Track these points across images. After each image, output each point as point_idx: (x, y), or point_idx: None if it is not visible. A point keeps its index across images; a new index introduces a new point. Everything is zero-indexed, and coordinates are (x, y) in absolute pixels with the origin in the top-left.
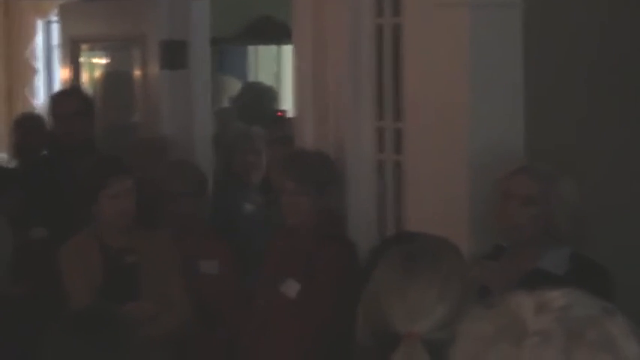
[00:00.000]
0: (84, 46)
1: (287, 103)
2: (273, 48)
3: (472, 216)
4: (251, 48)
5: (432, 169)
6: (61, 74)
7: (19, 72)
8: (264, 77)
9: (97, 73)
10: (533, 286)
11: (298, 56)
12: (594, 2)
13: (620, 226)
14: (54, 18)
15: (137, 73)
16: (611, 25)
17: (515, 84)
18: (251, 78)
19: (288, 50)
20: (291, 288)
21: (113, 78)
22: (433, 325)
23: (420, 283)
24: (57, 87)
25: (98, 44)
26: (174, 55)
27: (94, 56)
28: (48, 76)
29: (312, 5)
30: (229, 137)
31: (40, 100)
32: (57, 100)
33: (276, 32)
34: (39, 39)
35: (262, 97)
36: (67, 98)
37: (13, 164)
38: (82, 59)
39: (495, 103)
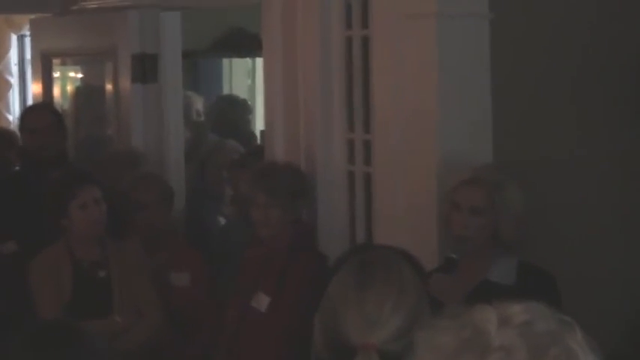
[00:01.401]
0: (56, 61)
1: (261, 116)
2: (247, 61)
3: (440, 227)
4: (225, 61)
5: (400, 180)
6: (33, 89)
7: None
8: (239, 90)
9: (70, 87)
10: (483, 298)
11: (268, 69)
12: (562, 13)
13: (570, 234)
14: (28, 32)
15: (109, 86)
16: (578, 36)
17: (483, 95)
18: (225, 91)
19: (262, 63)
20: (262, 301)
21: (85, 92)
22: (389, 336)
23: (376, 294)
24: (31, 101)
25: (70, 58)
26: (146, 68)
27: (66, 70)
28: (22, 90)
29: (281, 18)
30: (203, 150)
31: (14, 114)
32: (27, 115)
33: (249, 45)
34: (13, 53)
35: (236, 110)
36: (38, 113)
37: None
38: (54, 73)
39: (463, 114)
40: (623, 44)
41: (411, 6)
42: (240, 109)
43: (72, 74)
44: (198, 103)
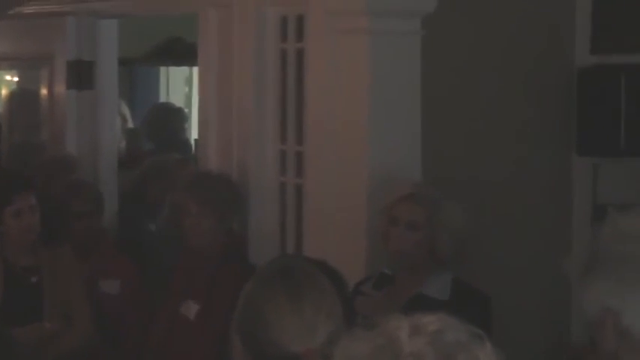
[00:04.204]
0: None
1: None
2: (184, 69)
3: (369, 238)
4: (163, 69)
5: (331, 192)
6: None
7: None
8: (176, 98)
9: (4, 92)
10: (417, 311)
11: (203, 78)
12: (493, 32)
13: (503, 255)
14: None
15: (44, 92)
16: (509, 55)
17: (413, 109)
18: (162, 99)
19: None
20: (191, 309)
21: (20, 97)
22: (324, 340)
23: (312, 302)
24: None
25: (6, 63)
26: (81, 75)
27: (1, 74)
28: None
29: (217, 28)
30: (145, 166)
31: None
32: None
33: (187, 53)
34: None
35: (171, 118)
36: None
37: None
38: None
39: (394, 128)
40: (555, 64)
41: (345, 21)
42: (175, 117)
43: (7, 79)
44: (124, 109)
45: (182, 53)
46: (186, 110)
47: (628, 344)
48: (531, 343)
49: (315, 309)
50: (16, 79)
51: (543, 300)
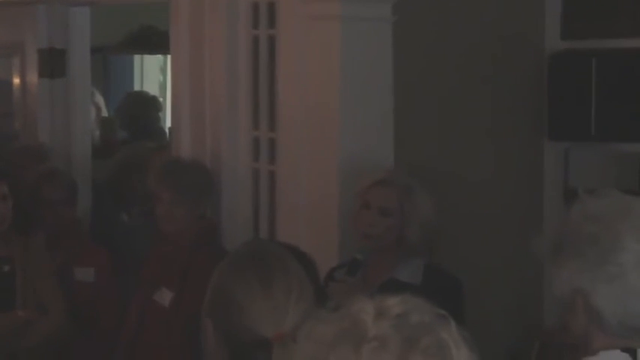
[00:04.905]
0: None
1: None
2: (159, 57)
3: (341, 224)
4: (137, 57)
5: (303, 178)
6: None
7: None
8: (150, 87)
9: None
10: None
11: (175, 66)
12: (465, 17)
13: (475, 239)
14: None
15: (16, 80)
16: (482, 42)
17: (385, 96)
18: (137, 87)
19: None
20: (165, 296)
21: None
22: (294, 325)
23: (281, 285)
24: None
25: None
26: (53, 63)
27: None
28: None
29: (189, 15)
30: (119, 155)
31: None
32: None
33: (161, 42)
34: None
35: (145, 106)
36: None
37: None
38: None
39: (365, 114)
40: (526, 49)
41: (316, 8)
42: (149, 105)
43: None
44: (97, 97)
45: (156, 41)
46: (160, 99)
47: (597, 325)
48: (504, 326)
49: (285, 293)
50: None
51: (516, 283)
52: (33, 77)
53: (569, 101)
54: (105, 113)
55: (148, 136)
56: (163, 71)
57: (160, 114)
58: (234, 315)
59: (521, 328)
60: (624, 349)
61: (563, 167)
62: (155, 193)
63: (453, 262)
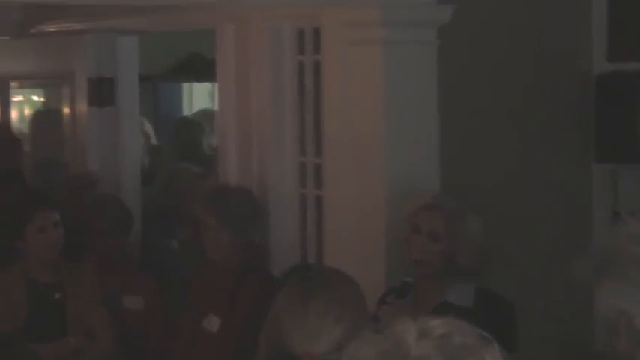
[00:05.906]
0: (13, 84)
1: None
2: (207, 85)
3: (388, 248)
4: (186, 85)
5: (350, 203)
6: None
7: None
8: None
9: (28, 110)
10: None
11: (222, 93)
12: (508, 42)
13: (525, 262)
14: None
15: (66, 109)
16: (523, 65)
17: (430, 120)
18: (186, 115)
19: None
20: (213, 322)
21: (43, 115)
22: (330, 346)
23: (318, 306)
24: None
25: (27, 81)
26: (102, 92)
27: (24, 93)
28: None
29: (234, 43)
30: (165, 176)
31: None
32: None
33: (208, 69)
34: None
35: (195, 133)
36: None
37: None
38: (12, 97)
39: (411, 139)
40: (572, 71)
41: (360, 33)
42: (194, 130)
43: (29, 97)
44: (146, 125)
45: (203, 69)
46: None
47: None
48: (554, 349)
49: (320, 315)
50: (38, 97)
51: (565, 307)
52: (82, 106)
53: (616, 123)
54: (154, 141)
55: (197, 162)
56: (212, 98)
57: (209, 140)
58: (275, 332)
59: (572, 352)
60: None
61: (611, 189)
62: (201, 219)
63: (503, 285)
